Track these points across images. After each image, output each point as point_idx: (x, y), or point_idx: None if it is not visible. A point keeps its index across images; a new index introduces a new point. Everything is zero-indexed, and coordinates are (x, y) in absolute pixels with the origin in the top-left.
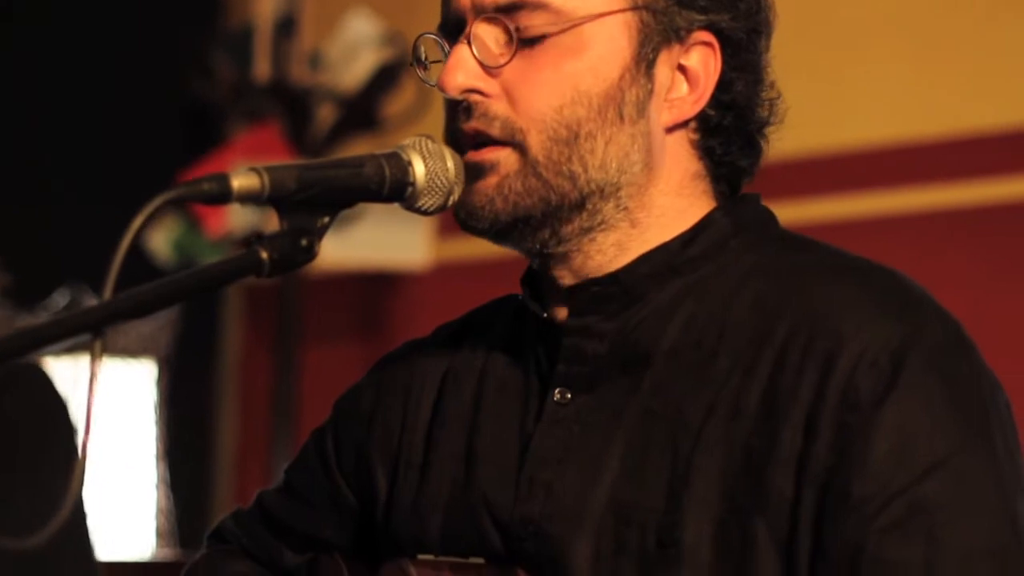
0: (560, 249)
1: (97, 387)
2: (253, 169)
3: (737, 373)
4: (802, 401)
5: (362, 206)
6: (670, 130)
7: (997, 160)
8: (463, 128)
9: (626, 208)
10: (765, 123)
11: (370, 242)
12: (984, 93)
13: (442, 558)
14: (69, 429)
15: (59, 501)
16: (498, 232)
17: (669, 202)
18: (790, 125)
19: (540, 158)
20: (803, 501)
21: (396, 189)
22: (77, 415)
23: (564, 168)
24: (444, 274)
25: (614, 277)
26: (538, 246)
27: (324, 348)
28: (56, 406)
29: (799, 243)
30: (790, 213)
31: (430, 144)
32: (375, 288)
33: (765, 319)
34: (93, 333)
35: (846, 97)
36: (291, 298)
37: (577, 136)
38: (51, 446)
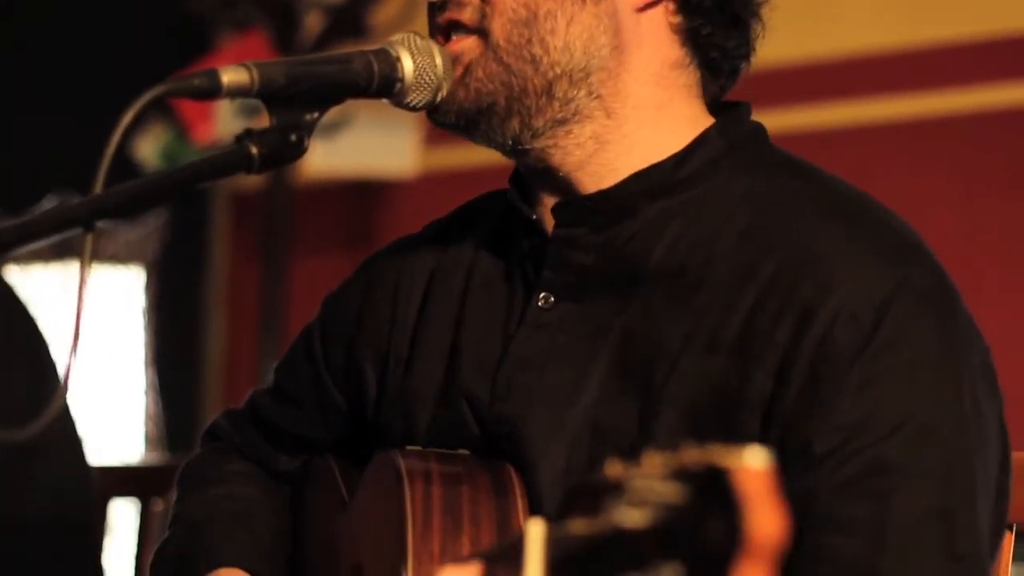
0: (537, 144)
1: (88, 284)
2: (243, 65)
3: (718, 305)
4: (778, 346)
5: (350, 113)
6: (641, 9)
7: (978, 68)
8: (438, 22)
9: (599, 96)
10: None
11: (358, 150)
12: (965, 1)
13: (429, 449)
14: (33, 333)
15: (35, 399)
16: (467, 124)
17: (648, 92)
18: (772, 32)
19: (501, 42)
20: (765, 443)
21: (384, 85)
22: (43, 322)
23: (525, 51)
24: (432, 182)
25: (604, 194)
26: (510, 140)
27: (311, 256)
28: (18, 310)
29: (793, 168)
30: (774, 122)
31: (418, 40)
32: (363, 196)
33: (752, 253)
34: (84, 227)
35: (829, 4)
36: (278, 206)
37: (536, 16)
38: (15, 348)
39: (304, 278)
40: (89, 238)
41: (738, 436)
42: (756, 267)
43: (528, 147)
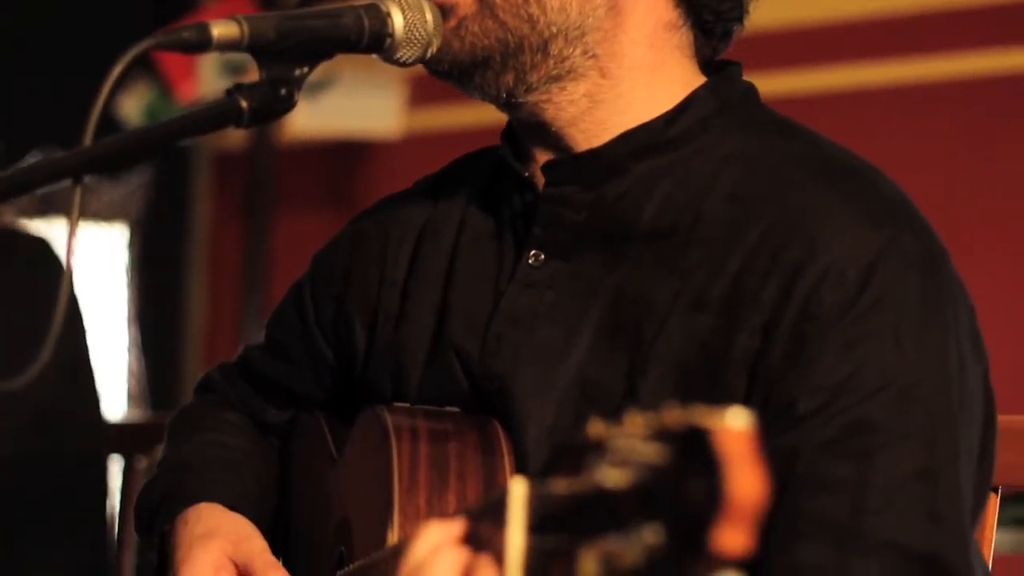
0: (530, 99)
1: (77, 236)
2: (233, 18)
3: (706, 265)
4: (764, 305)
5: (334, 73)
6: None
7: (969, 34)
8: None
9: (594, 55)
10: None
11: (342, 110)
12: None
13: (417, 406)
14: (71, 295)
15: (59, 354)
16: (460, 74)
17: (641, 54)
18: None
19: (498, 0)
20: (750, 403)
21: (375, 40)
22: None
23: (522, 11)
24: (416, 143)
25: (594, 153)
26: (504, 93)
27: (295, 217)
28: (59, 273)
29: (783, 128)
30: (766, 85)
31: None
32: (347, 157)
33: (740, 213)
34: (74, 179)
35: None
36: (262, 166)
37: None
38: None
39: (287, 237)
40: (78, 190)
41: (723, 395)
42: (744, 227)
43: (522, 100)
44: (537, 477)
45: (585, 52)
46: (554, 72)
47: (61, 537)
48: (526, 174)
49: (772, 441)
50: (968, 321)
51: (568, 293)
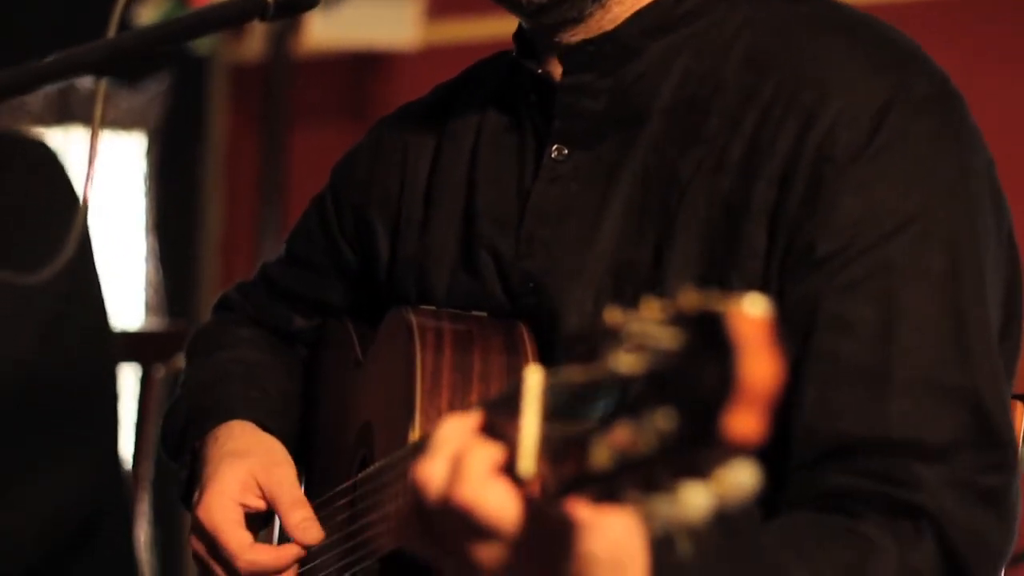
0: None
1: (99, 135)
2: None
3: (725, 129)
4: (780, 154)
5: None
6: None
7: None
8: None
9: None
10: None
11: (359, 21)
12: None
13: (442, 309)
14: (74, 203)
15: (65, 251)
16: None
17: None
18: None
19: None
20: (773, 253)
21: None
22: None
23: None
24: (433, 55)
25: (609, 36)
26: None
27: (311, 129)
28: (63, 180)
29: None
30: None
31: None
32: (363, 68)
33: (755, 75)
34: (96, 73)
35: None
36: (278, 78)
37: None
38: (58, 212)
39: (303, 149)
40: (101, 85)
41: (746, 251)
42: (759, 88)
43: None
44: (553, 367)
45: None
46: None
47: (71, 446)
48: (540, 71)
49: (794, 287)
50: (986, 171)
51: (594, 182)
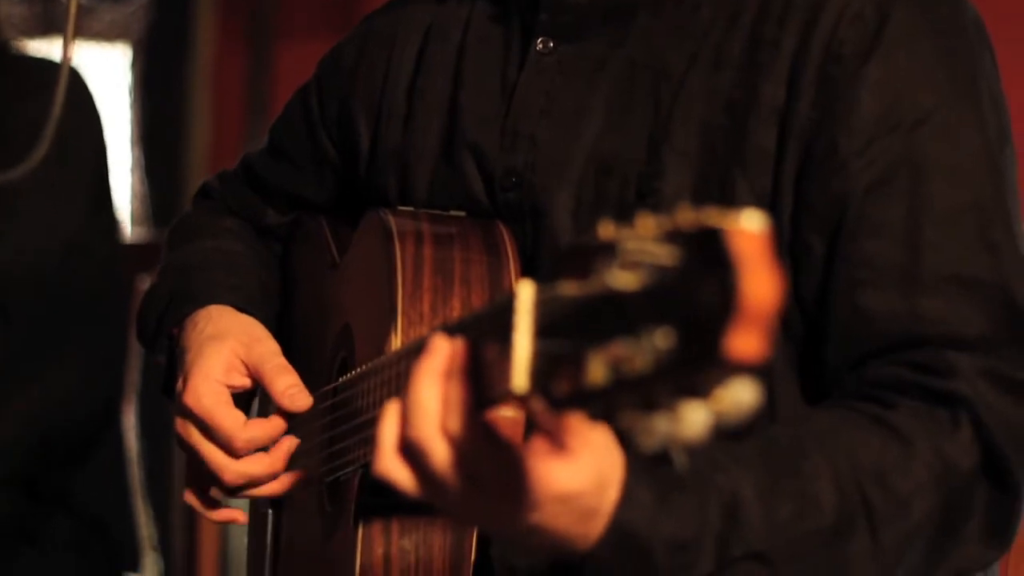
0: None
1: (72, 44)
2: None
3: (720, 22)
4: (785, 54)
5: None
6: None
7: None
8: None
9: None
10: None
11: None
12: None
13: (421, 209)
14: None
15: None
16: None
17: None
18: None
19: None
20: (786, 157)
21: None
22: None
23: None
24: None
25: None
26: None
27: (297, 40)
28: (92, 108)
29: None
30: None
31: None
32: None
33: None
34: None
35: None
36: None
37: None
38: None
39: (290, 60)
40: None
41: (753, 151)
42: None
43: None
44: (545, 280)
45: None
46: None
47: (79, 358)
48: None
49: (819, 190)
50: (992, 68)
51: (579, 75)
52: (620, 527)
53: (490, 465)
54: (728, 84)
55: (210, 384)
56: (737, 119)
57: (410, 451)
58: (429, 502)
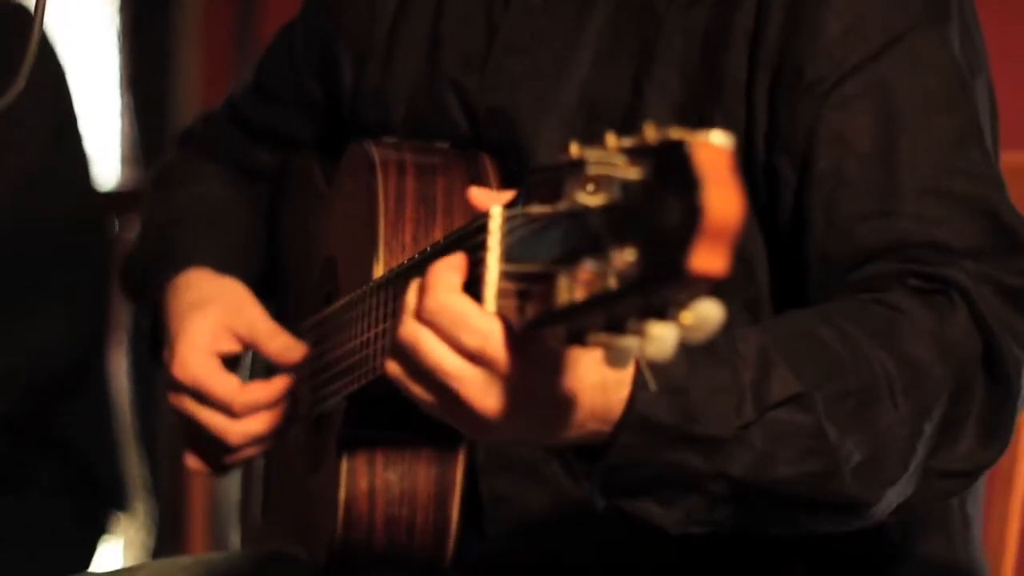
0: None
1: None
2: None
3: None
4: None
5: None
6: None
7: None
8: None
9: None
10: None
11: None
12: None
13: (405, 141)
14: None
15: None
16: None
17: None
18: None
19: None
20: (757, 84)
21: None
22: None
23: None
24: None
25: None
26: None
27: None
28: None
29: None
30: None
31: None
32: None
33: None
34: None
35: None
36: None
37: None
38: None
39: (279, 6)
40: None
41: (727, 82)
42: None
43: None
44: (516, 204)
45: None
46: None
47: (56, 293)
48: None
49: (788, 114)
50: (972, 11)
51: (565, 14)
52: (659, 378)
53: (514, 352)
54: (703, 18)
55: (198, 354)
56: (713, 54)
57: (431, 317)
58: (437, 388)
